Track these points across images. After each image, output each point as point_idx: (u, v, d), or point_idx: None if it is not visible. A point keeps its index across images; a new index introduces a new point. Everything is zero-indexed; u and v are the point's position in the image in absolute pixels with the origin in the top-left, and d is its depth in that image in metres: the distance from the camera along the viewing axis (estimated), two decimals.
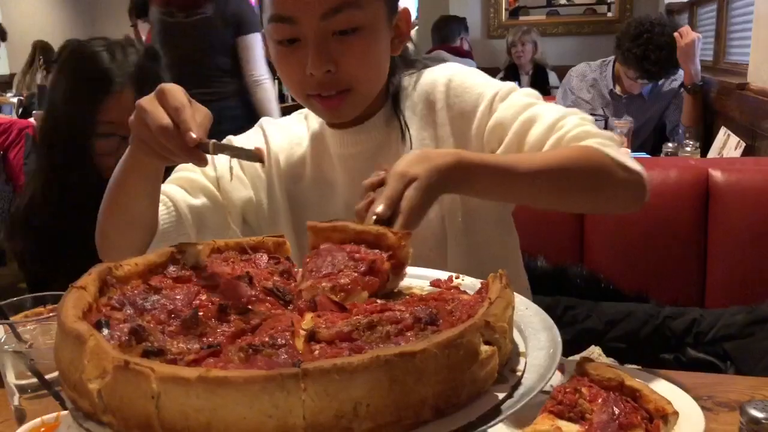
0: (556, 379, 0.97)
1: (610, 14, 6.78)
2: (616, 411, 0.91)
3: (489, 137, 1.20)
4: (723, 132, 2.84)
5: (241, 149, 0.90)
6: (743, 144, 2.55)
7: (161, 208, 1.17)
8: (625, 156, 1.12)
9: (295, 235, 1.27)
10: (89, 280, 0.71)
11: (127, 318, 0.67)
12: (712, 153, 2.87)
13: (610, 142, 1.12)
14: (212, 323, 0.68)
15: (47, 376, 0.91)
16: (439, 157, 0.99)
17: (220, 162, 1.26)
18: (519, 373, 0.65)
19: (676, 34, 3.05)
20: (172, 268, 0.80)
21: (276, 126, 1.38)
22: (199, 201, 1.22)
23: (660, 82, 3.33)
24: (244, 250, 0.89)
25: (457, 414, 0.57)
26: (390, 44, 1.20)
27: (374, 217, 0.90)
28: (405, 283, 0.88)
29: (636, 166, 1.11)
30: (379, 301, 0.75)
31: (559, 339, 0.70)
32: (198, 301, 0.73)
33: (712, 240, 1.80)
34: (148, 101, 0.91)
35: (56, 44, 5.96)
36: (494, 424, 0.58)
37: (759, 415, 0.86)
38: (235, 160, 1.25)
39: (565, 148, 1.11)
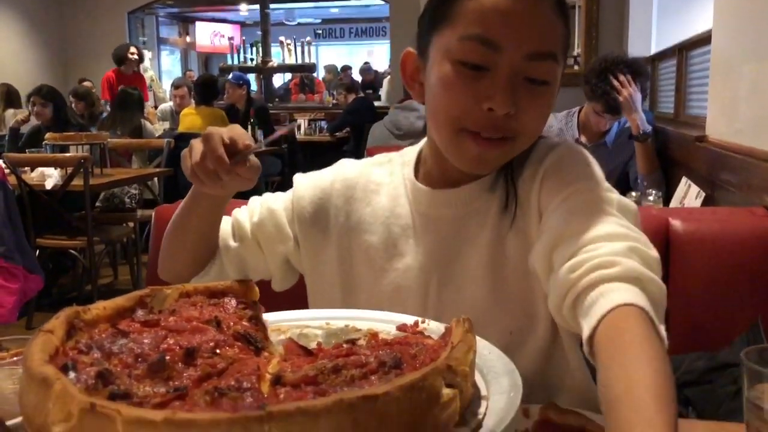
0: (521, 424, 0.98)
1: (576, 68, 7.00)
2: None
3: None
4: (684, 182, 2.92)
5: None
6: (703, 194, 2.63)
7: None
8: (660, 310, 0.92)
9: (341, 282, 1.19)
10: (57, 323, 0.71)
11: (94, 362, 0.68)
12: (674, 202, 2.94)
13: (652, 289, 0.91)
14: (179, 367, 0.69)
15: (8, 423, 0.90)
16: None
17: (262, 206, 1.22)
18: (480, 417, 0.66)
19: (617, 83, 3.21)
20: (140, 312, 0.81)
21: (353, 165, 1.27)
22: (238, 244, 1.21)
23: (622, 131, 3.45)
24: (212, 294, 0.90)
25: None
26: None
27: None
28: (372, 327, 0.89)
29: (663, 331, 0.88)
30: (345, 345, 0.76)
31: (520, 383, 0.72)
32: (165, 345, 0.74)
33: (673, 288, 1.82)
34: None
35: (29, 86, 5.93)
36: None
37: None
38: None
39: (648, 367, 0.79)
